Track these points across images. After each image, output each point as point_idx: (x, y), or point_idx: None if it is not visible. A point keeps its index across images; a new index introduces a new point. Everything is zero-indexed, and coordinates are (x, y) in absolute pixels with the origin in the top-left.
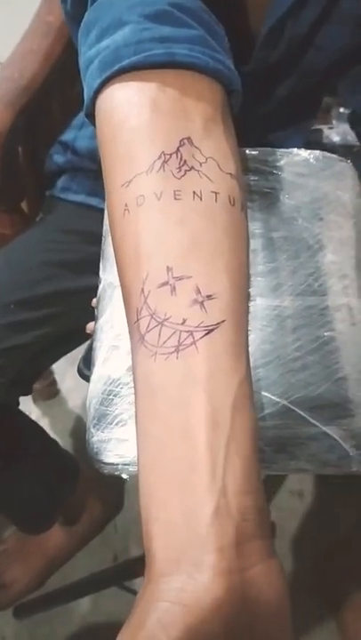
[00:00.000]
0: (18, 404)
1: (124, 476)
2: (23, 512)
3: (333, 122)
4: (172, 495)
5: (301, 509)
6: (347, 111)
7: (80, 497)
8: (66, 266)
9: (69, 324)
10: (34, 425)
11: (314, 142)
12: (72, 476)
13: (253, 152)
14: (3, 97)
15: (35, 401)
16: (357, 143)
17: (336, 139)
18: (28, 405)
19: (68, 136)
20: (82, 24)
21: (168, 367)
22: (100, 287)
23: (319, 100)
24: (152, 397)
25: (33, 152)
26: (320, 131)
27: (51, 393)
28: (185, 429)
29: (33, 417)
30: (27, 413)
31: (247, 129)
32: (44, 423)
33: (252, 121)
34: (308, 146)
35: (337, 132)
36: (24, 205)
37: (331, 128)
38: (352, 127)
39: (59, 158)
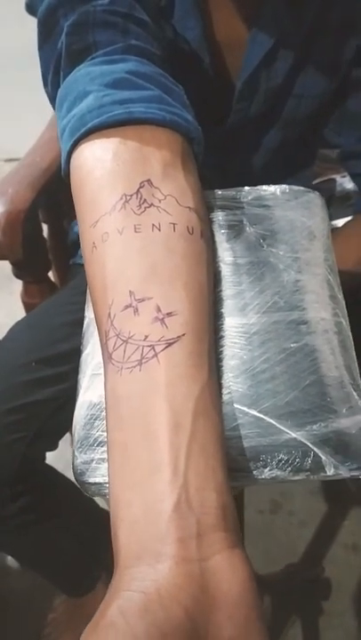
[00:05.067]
0: (44, 458)
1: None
2: (60, 570)
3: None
4: (135, 495)
5: (357, 563)
6: None
7: None
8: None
9: None
10: (65, 481)
11: (326, 190)
12: (108, 534)
13: (223, 192)
14: (24, 179)
15: None
16: None
17: (349, 186)
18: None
19: None
20: (56, 101)
21: (132, 379)
22: (85, 323)
23: (313, 149)
24: (117, 408)
25: (56, 227)
26: (333, 180)
27: None
28: (147, 433)
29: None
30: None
31: (245, 181)
32: None
33: (249, 173)
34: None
35: (350, 180)
36: (52, 275)
37: (344, 176)
38: (341, 164)
39: (78, 229)
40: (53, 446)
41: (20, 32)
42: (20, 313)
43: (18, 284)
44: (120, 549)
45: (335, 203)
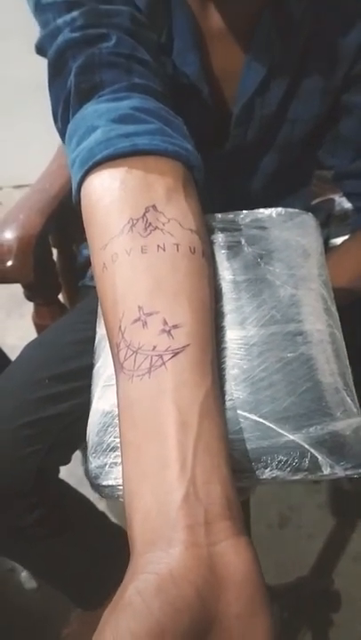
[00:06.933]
0: (58, 472)
1: (122, 499)
2: (73, 583)
3: None
4: (147, 489)
5: None
6: None
7: None
8: (93, 342)
9: None
10: (78, 495)
11: (325, 210)
12: (121, 548)
13: (222, 215)
14: (34, 205)
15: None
16: None
17: (347, 205)
18: (86, 489)
19: None
20: (66, 135)
21: (142, 385)
22: (97, 339)
23: (309, 170)
24: (130, 411)
25: (66, 251)
26: (332, 200)
27: None
28: (157, 433)
29: (91, 499)
30: None
31: (246, 202)
32: (103, 506)
33: (249, 194)
34: (314, 212)
35: None
36: (61, 297)
37: (342, 196)
38: (336, 183)
39: (87, 252)
40: (67, 460)
41: (29, 65)
42: (30, 335)
43: (28, 308)
44: (135, 537)
45: (334, 221)
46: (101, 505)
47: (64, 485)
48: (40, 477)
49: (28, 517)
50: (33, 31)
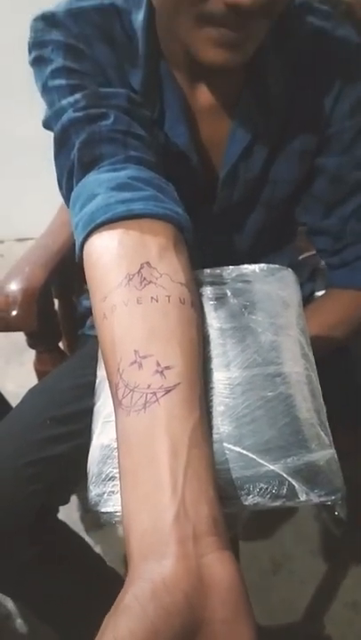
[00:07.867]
0: (57, 511)
1: (119, 525)
2: (69, 622)
3: None
4: (143, 509)
5: (357, 621)
6: None
7: None
8: (91, 387)
9: None
10: (74, 535)
11: (311, 265)
12: (116, 589)
13: (211, 271)
14: (38, 259)
15: (87, 530)
16: None
17: None
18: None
19: None
20: (70, 201)
21: (138, 419)
22: (97, 381)
23: (293, 227)
24: (127, 442)
25: (67, 301)
26: (317, 255)
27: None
28: (151, 460)
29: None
30: None
31: (235, 256)
32: (98, 550)
33: (238, 250)
34: (296, 269)
35: None
36: (62, 345)
37: None
38: (309, 239)
39: (87, 303)
40: (66, 500)
41: (31, 121)
42: (29, 382)
43: (28, 357)
44: (132, 551)
45: (320, 275)
46: (97, 549)
47: (62, 525)
48: (41, 515)
49: (27, 553)
50: (35, 88)
